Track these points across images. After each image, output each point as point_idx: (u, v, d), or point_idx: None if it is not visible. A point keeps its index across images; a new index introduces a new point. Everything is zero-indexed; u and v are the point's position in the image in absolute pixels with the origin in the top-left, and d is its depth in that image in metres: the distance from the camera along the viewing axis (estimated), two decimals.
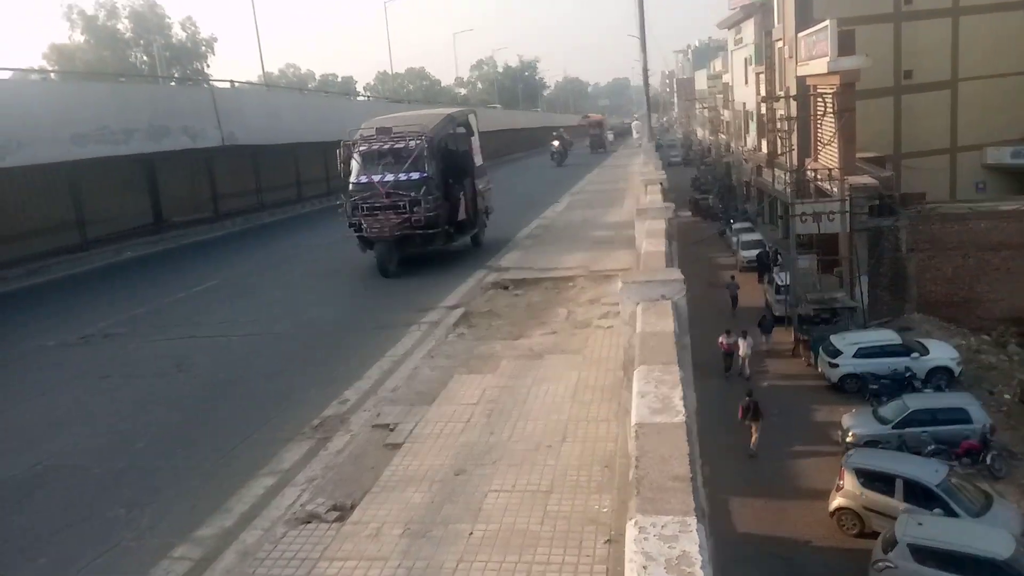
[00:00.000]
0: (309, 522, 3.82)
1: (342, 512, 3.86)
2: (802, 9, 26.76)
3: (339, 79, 71.72)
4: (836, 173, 21.86)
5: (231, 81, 18.78)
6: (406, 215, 10.61)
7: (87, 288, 12.58)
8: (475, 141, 13.46)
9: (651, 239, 3.66)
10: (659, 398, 1.60)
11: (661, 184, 6.53)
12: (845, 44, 22.30)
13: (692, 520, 1.17)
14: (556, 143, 37.18)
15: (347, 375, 6.37)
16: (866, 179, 21.53)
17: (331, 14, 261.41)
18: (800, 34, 25.40)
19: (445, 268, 11.21)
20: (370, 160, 11.47)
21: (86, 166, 14.40)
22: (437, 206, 10.91)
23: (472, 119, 13.55)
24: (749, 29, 34.10)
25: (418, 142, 11.22)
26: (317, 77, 70.93)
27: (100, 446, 5.40)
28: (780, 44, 30.10)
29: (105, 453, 5.25)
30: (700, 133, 58.06)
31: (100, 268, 14.22)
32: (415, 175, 10.98)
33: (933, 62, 27.05)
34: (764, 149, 32.77)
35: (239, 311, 9.48)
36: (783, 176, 28.32)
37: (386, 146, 11.40)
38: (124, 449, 5.29)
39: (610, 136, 50.51)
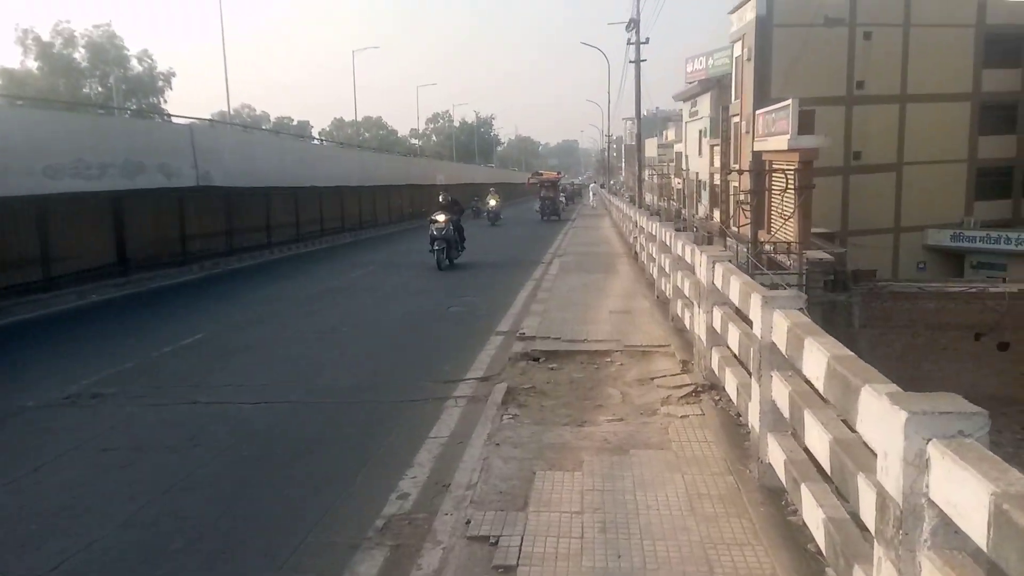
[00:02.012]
0: None
1: None
2: (760, 87, 27.86)
3: (295, 122, 70.56)
4: (794, 247, 22.53)
5: (211, 120, 17.91)
6: None
7: (56, 335, 11.35)
8: None
9: (819, 338, 3.22)
10: None
11: (730, 261, 6.23)
12: (805, 123, 23.27)
13: None
14: (440, 217, 17.54)
15: (391, 459, 5.71)
16: (822, 254, 22.20)
17: (287, 58, 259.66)
18: (759, 111, 26.37)
19: (453, 330, 10.66)
20: None
21: (55, 199, 13.22)
22: None
23: None
24: (705, 103, 35.33)
25: None
26: (272, 120, 69.70)
27: (128, 546, 4.51)
28: (736, 119, 31.17)
29: (138, 556, 4.40)
30: (648, 198, 59.20)
31: (68, 311, 12.96)
32: None
33: (881, 145, 28.59)
34: (717, 218, 33.60)
35: (240, 373, 8.60)
36: (735, 246, 28.99)
37: None
38: (158, 551, 4.43)
39: (562, 199, 42.94)
